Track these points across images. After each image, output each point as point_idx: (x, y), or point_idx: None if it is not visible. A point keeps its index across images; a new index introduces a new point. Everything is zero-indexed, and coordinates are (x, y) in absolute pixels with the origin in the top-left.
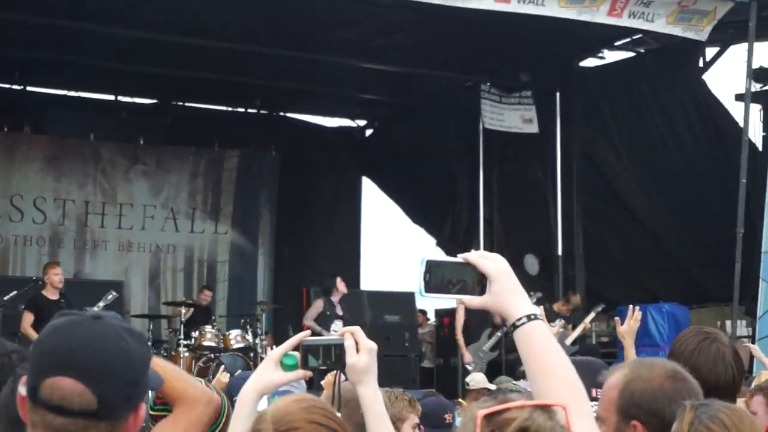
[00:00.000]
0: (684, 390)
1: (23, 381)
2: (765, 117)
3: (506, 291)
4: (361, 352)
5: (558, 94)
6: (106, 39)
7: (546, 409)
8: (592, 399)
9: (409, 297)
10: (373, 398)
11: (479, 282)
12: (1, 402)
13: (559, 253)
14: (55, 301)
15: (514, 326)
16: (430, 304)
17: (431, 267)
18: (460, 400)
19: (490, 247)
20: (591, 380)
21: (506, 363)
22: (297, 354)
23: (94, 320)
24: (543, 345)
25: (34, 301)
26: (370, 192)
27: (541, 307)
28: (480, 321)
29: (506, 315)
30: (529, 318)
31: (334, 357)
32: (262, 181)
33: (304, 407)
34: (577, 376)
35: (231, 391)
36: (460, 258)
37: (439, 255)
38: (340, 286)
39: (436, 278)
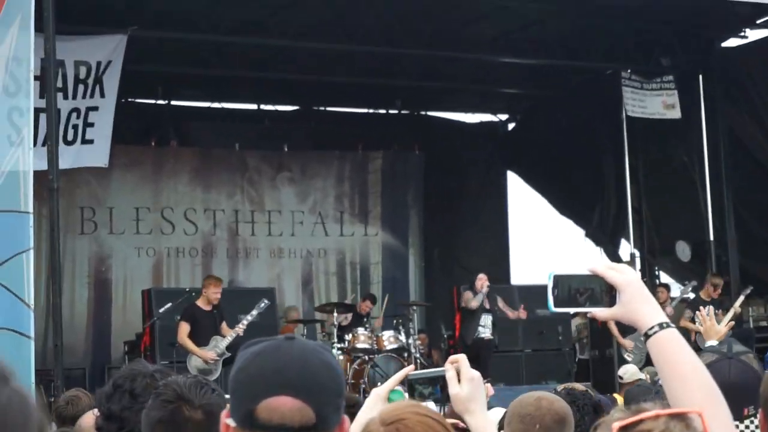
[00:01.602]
0: None
1: (226, 413)
2: None
3: (636, 300)
4: (463, 382)
5: (701, 76)
6: (246, 49)
7: (682, 417)
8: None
9: None
10: (482, 427)
11: (608, 293)
12: (144, 422)
13: (711, 238)
14: (209, 312)
15: (647, 335)
16: None
17: (558, 281)
18: (615, 395)
19: (640, 236)
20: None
21: None
22: (403, 389)
23: (289, 340)
24: (676, 352)
25: (189, 311)
26: (516, 186)
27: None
28: None
29: (638, 325)
30: (661, 327)
31: (436, 388)
32: (407, 181)
33: (412, 404)
34: (713, 383)
35: None
36: (587, 270)
37: (569, 269)
38: (479, 283)
39: (563, 292)
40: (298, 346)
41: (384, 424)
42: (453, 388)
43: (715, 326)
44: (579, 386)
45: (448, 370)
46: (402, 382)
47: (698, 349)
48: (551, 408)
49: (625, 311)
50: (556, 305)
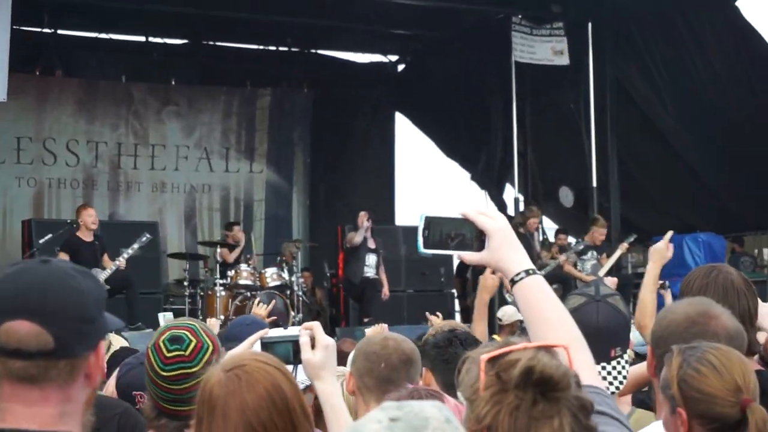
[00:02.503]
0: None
1: None
2: None
3: (504, 247)
4: (317, 348)
5: (590, 24)
6: None
7: (549, 349)
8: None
9: None
10: (330, 392)
11: (478, 238)
12: None
13: (594, 184)
14: (89, 243)
15: (513, 281)
16: None
17: (429, 223)
18: (495, 336)
19: (524, 180)
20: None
21: None
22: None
23: (42, 263)
24: (541, 298)
25: (69, 242)
26: (404, 127)
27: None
28: None
29: (504, 270)
30: (527, 273)
31: (290, 352)
32: (295, 119)
33: (254, 353)
34: (576, 327)
35: (228, 337)
36: (459, 214)
37: (440, 212)
38: (360, 220)
39: (434, 234)
40: (46, 270)
41: (225, 370)
42: (306, 354)
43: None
44: (460, 325)
45: (302, 335)
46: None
47: None
48: (398, 348)
49: (492, 257)
50: (425, 246)
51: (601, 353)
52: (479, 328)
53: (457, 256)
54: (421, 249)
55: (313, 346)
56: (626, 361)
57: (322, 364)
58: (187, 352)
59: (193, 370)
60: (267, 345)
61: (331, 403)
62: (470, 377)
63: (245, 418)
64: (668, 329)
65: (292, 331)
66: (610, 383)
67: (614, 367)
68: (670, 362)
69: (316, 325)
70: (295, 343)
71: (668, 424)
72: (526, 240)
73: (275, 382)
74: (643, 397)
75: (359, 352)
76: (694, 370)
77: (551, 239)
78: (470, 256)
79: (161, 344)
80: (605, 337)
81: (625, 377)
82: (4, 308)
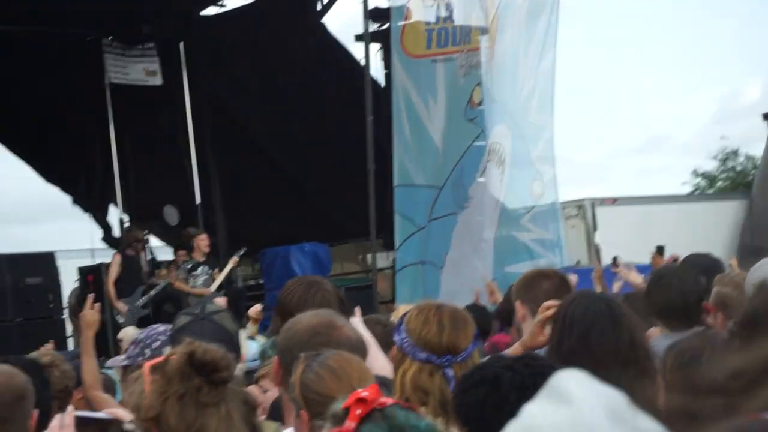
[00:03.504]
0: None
1: None
2: (385, 55)
3: None
4: None
5: (182, 44)
6: None
7: None
8: None
9: (49, 257)
10: None
11: None
12: None
13: (198, 201)
14: None
15: None
16: (74, 263)
17: None
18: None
19: (128, 201)
20: None
21: (155, 313)
22: None
23: None
24: None
25: None
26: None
27: (183, 256)
28: (134, 277)
29: None
30: None
31: None
32: None
33: None
34: None
35: None
36: None
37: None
38: None
39: None
40: None
41: None
42: None
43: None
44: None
45: None
46: None
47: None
48: (10, 383)
49: None
50: None
51: None
52: (89, 365)
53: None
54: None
55: None
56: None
57: None
58: None
59: None
60: None
61: None
62: (136, 390)
63: None
64: (293, 339)
65: None
66: None
67: None
68: (296, 368)
69: None
70: None
71: (295, 427)
72: (133, 260)
73: None
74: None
75: None
76: (314, 374)
77: (159, 258)
78: None
79: None
80: None
81: None
82: None
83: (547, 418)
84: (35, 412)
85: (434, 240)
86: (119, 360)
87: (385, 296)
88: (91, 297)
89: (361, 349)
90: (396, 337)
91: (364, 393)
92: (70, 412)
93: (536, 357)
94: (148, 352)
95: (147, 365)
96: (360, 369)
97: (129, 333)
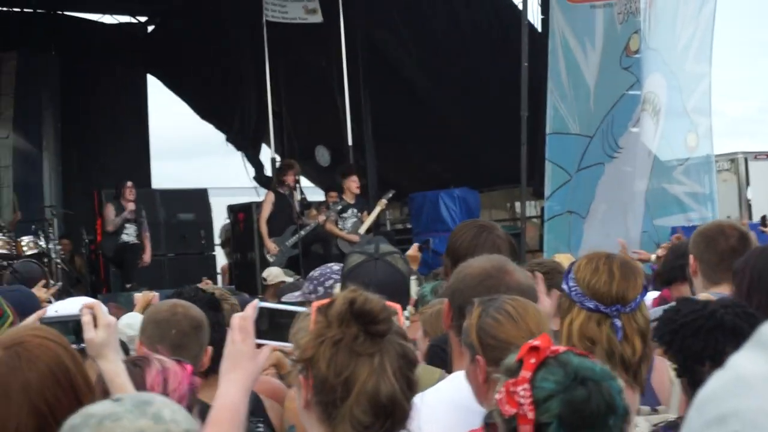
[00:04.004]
0: (492, 287)
1: None
2: (542, 0)
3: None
4: (99, 327)
5: None
6: None
7: None
8: None
9: (202, 193)
10: (114, 372)
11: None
12: None
13: (350, 143)
14: None
15: None
16: (225, 200)
17: (261, 314)
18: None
19: (280, 140)
20: None
21: (304, 253)
22: None
23: None
24: None
25: None
26: (157, 89)
27: (335, 197)
28: (285, 217)
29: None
30: None
31: (71, 332)
32: (42, 83)
33: (33, 327)
34: None
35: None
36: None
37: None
38: (126, 192)
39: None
40: None
41: (3, 347)
42: (88, 333)
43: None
44: (216, 287)
45: (84, 314)
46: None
47: (342, 254)
48: (187, 314)
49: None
50: (258, 337)
51: None
52: None
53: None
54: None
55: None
56: (406, 317)
57: (105, 343)
58: None
59: None
60: (47, 325)
61: (117, 382)
62: (301, 324)
63: (29, 398)
64: (464, 282)
65: (70, 309)
66: None
67: None
68: (471, 312)
69: (97, 304)
70: (76, 322)
71: (469, 373)
72: (285, 199)
73: (57, 358)
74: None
75: (148, 320)
76: (492, 319)
77: (309, 199)
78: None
79: None
80: (382, 295)
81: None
82: None
83: (758, 370)
84: (209, 349)
85: (580, 190)
86: (294, 296)
87: (532, 245)
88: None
89: (531, 295)
90: (564, 285)
91: (536, 342)
92: (253, 303)
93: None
94: (321, 290)
95: (315, 305)
96: (536, 314)
97: (273, 272)
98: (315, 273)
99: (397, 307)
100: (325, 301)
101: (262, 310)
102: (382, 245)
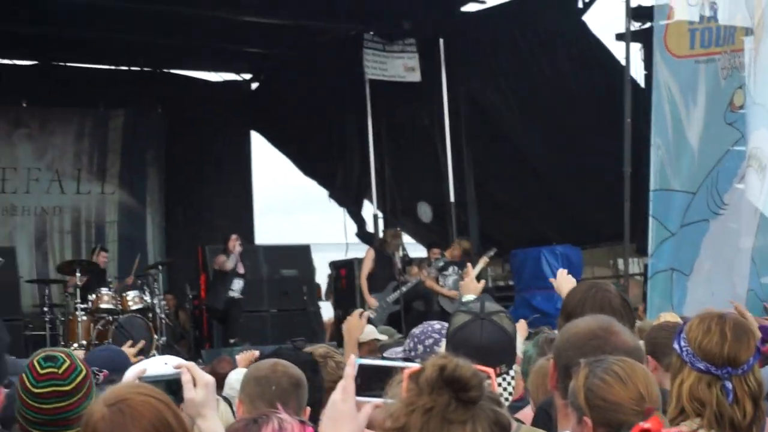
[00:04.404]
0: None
1: None
2: (646, 55)
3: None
4: (198, 386)
5: (441, 40)
6: None
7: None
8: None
9: (305, 250)
10: (213, 430)
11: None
12: None
13: (452, 199)
14: None
15: None
16: (326, 256)
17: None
18: None
19: (382, 196)
20: None
21: (406, 310)
22: None
23: None
24: None
25: None
26: (261, 146)
27: (437, 254)
28: (386, 274)
29: None
30: None
31: (171, 392)
32: (149, 140)
33: (136, 385)
34: None
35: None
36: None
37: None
38: (231, 244)
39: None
40: None
41: (107, 404)
42: (188, 393)
43: (473, 282)
44: (325, 346)
45: (184, 373)
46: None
47: (443, 311)
48: (287, 371)
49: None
50: (357, 393)
51: None
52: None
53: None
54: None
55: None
56: (512, 377)
57: (203, 402)
58: (60, 371)
59: (65, 388)
60: (148, 383)
61: None
62: (393, 391)
63: None
64: (569, 342)
65: (167, 368)
66: None
67: (499, 384)
68: (578, 373)
69: (193, 366)
70: (176, 381)
71: None
72: (387, 259)
73: (160, 415)
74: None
75: (249, 378)
76: (600, 380)
77: (411, 255)
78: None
79: (35, 363)
80: (488, 355)
81: (510, 393)
82: None
83: None
84: (307, 409)
85: (684, 247)
86: (396, 353)
87: (635, 303)
88: (360, 311)
89: (638, 356)
90: (675, 345)
91: (646, 425)
92: (352, 360)
93: None
94: (420, 348)
95: (406, 372)
96: (645, 375)
97: (365, 331)
98: (416, 331)
99: (490, 371)
100: (416, 368)
101: (362, 366)
102: (487, 304)
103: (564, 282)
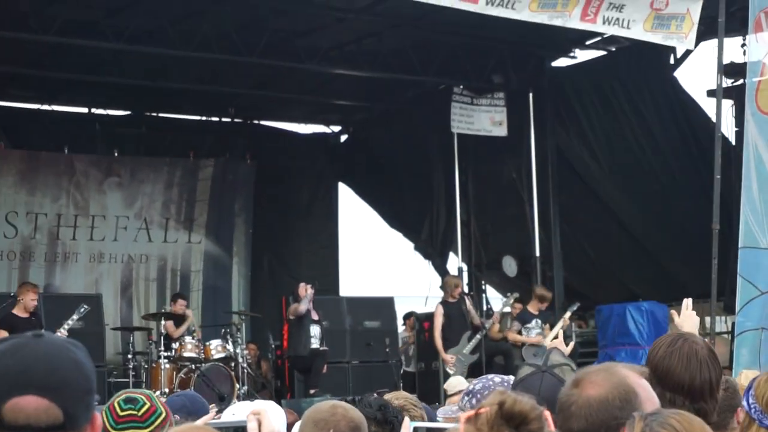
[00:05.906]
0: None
1: None
2: (737, 112)
3: None
4: None
5: (531, 94)
6: (79, 51)
7: None
8: None
9: (389, 302)
10: None
11: None
12: None
13: (537, 253)
14: (26, 319)
15: None
16: (411, 308)
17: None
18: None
19: (468, 249)
20: None
21: (487, 364)
22: None
23: (37, 338)
24: None
25: (6, 319)
26: (347, 198)
27: (516, 304)
28: (459, 324)
29: None
30: None
31: None
32: (237, 190)
33: (196, 426)
34: None
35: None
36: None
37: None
38: (301, 291)
39: None
40: (44, 344)
41: None
42: None
43: (560, 342)
44: (405, 395)
45: (250, 420)
46: None
47: (523, 361)
48: (346, 414)
49: None
50: None
51: None
52: None
53: None
54: None
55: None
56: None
57: None
58: (140, 413)
59: (144, 431)
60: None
61: None
62: None
63: None
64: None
65: (238, 416)
66: None
67: None
68: (632, 427)
69: (263, 411)
70: (243, 429)
71: None
72: (456, 307)
73: None
74: None
75: (307, 419)
76: None
77: (494, 308)
78: None
79: (115, 404)
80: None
81: None
82: (9, 384)
83: None
84: None
85: None
86: (453, 411)
87: (722, 361)
88: None
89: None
90: (744, 402)
91: None
92: (406, 423)
93: None
94: (475, 402)
95: (462, 416)
96: (702, 428)
97: (453, 382)
98: (477, 386)
99: (547, 413)
100: (473, 411)
101: (417, 430)
102: (552, 356)
103: (687, 318)
